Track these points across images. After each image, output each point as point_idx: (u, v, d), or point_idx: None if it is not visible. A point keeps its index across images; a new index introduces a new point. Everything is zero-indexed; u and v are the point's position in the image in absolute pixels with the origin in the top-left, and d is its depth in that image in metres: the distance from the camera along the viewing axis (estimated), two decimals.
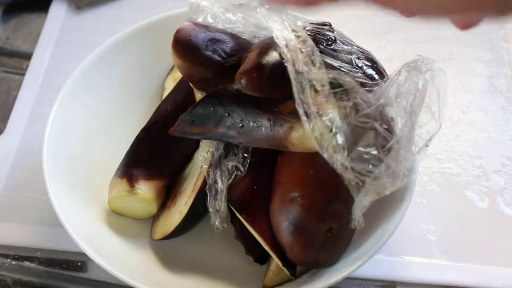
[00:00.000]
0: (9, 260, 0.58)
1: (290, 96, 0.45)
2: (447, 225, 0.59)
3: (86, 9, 0.77)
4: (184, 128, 0.50)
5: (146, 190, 0.53)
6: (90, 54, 0.59)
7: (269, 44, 0.48)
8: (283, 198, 0.48)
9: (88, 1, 0.77)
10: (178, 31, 0.51)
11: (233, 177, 0.50)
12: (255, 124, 0.48)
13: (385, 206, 0.52)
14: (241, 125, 0.49)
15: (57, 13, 0.76)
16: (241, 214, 0.50)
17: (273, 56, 0.47)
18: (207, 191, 0.51)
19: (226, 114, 0.49)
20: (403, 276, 0.56)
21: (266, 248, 0.49)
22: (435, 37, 0.74)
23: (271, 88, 0.48)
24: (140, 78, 0.62)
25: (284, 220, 0.48)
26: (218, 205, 0.50)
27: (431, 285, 0.56)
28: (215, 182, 0.51)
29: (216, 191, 0.50)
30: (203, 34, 0.51)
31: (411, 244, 0.58)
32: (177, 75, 0.60)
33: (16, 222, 0.59)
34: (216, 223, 0.51)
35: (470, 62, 0.72)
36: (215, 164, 0.51)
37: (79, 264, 0.57)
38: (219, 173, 0.51)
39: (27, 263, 0.57)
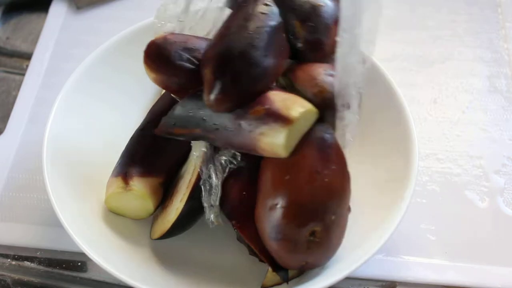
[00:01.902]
0: (9, 260, 0.58)
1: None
2: (447, 225, 0.59)
3: (86, 9, 0.77)
4: (168, 129, 0.51)
5: (140, 186, 0.53)
6: (90, 54, 0.60)
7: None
8: (263, 205, 0.48)
9: (88, 1, 0.77)
10: (148, 46, 0.51)
11: (227, 170, 0.50)
12: (227, 129, 0.48)
13: (385, 206, 0.52)
14: (216, 128, 0.49)
15: (57, 13, 0.76)
16: (231, 220, 0.50)
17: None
18: (202, 186, 0.50)
19: (203, 118, 0.49)
20: (403, 276, 0.56)
21: (257, 253, 0.49)
22: (435, 37, 0.74)
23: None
24: (141, 78, 0.62)
25: (266, 228, 0.48)
26: (213, 200, 0.50)
27: (431, 285, 0.56)
28: (209, 177, 0.50)
29: (211, 186, 0.50)
30: (174, 45, 0.51)
31: (411, 244, 0.58)
32: None
33: (16, 222, 0.59)
34: (211, 217, 0.50)
35: (470, 62, 0.72)
36: (208, 159, 0.51)
37: (79, 264, 0.57)
38: (212, 168, 0.50)
39: (27, 263, 0.57)
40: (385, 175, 0.55)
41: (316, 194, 0.46)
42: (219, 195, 0.50)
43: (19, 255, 0.58)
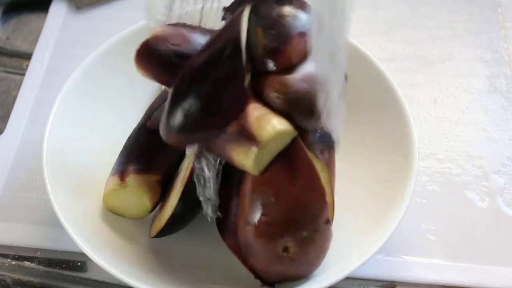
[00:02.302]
0: (8, 260, 0.58)
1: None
2: (447, 225, 0.59)
3: (86, 9, 0.77)
4: (158, 123, 0.50)
5: (136, 183, 0.53)
6: (90, 54, 0.60)
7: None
8: (239, 222, 0.48)
9: (88, 1, 0.77)
10: (138, 48, 0.50)
11: (218, 162, 0.50)
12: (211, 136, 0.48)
13: (385, 206, 0.52)
14: None
15: (57, 13, 0.76)
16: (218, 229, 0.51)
17: None
18: (196, 181, 0.50)
19: None
20: (403, 276, 0.56)
21: (242, 263, 0.50)
22: (435, 37, 0.74)
23: None
24: (141, 78, 0.62)
25: (242, 245, 0.48)
26: (208, 194, 0.50)
27: (431, 285, 0.56)
28: (202, 171, 0.50)
29: (204, 179, 0.50)
30: (165, 44, 0.50)
31: (411, 244, 0.58)
32: None
33: (16, 222, 0.59)
34: (208, 211, 0.50)
35: (470, 62, 0.72)
36: (200, 153, 0.51)
37: (79, 264, 0.57)
38: (205, 161, 0.50)
39: (27, 263, 0.57)
40: (385, 175, 0.55)
41: (284, 211, 0.46)
42: (215, 187, 0.50)
43: (19, 255, 0.58)
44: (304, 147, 0.47)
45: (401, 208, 0.50)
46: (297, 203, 0.46)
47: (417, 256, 0.57)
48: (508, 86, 0.70)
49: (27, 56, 0.73)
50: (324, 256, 0.49)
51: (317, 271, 0.50)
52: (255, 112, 0.46)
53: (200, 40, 0.51)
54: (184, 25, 0.52)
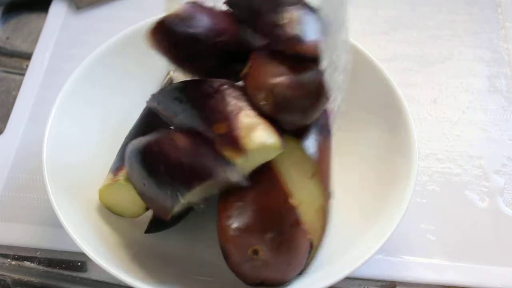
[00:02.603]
0: (8, 260, 0.58)
1: None
2: (447, 225, 0.59)
3: (86, 9, 0.77)
4: (153, 104, 0.52)
5: (128, 177, 0.53)
6: (90, 54, 0.59)
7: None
8: (218, 222, 0.49)
9: (88, 1, 0.77)
10: (154, 24, 0.50)
11: None
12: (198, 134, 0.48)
13: (385, 206, 0.52)
14: (187, 128, 0.48)
15: (57, 13, 0.76)
16: None
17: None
18: None
19: (180, 110, 0.49)
20: (403, 276, 0.56)
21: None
22: (435, 37, 0.74)
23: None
24: (141, 78, 0.62)
25: (220, 248, 0.49)
26: None
27: (431, 285, 0.56)
28: None
29: None
30: (181, 26, 0.49)
31: (411, 244, 0.58)
32: None
33: (16, 222, 0.59)
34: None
35: (470, 62, 0.72)
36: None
37: (79, 264, 0.57)
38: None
39: (27, 263, 0.57)
40: (385, 175, 0.55)
41: (249, 214, 0.47)
42: None
43: (19, 255, 0.58)
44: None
45: (401, 208, 0.50)
46: (260, 207, 0.47)
47: (417, 256, 0.57)
48: (508, 86, 0.70)
49: (27, 56, 0.73)
50: (300, 259, 0.49)
51: (317, 271, 0.50)
52: (246, 119, 0.46)
53: (215, 24, 0.50)
54: (201, 7, 0.51)
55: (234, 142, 0.45)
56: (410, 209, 0.51)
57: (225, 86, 0.49)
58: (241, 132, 0.45)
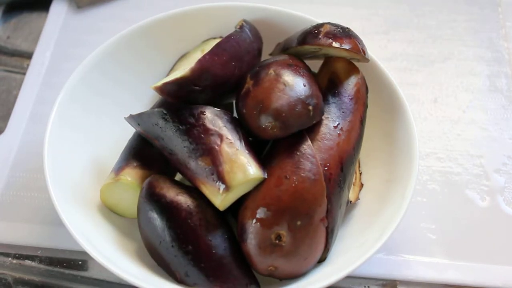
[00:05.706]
0: (10, 259, 0.58)
1: None
2: (448, 224, 0.59)
3: (86, 8, 0.77)
4: (133, 124, 0.54)
5: (129, 176, 0.53)
6: (91, 53, 0.59)
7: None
8: (242, 205, 0.50)
9: (89, 0, 0.77)
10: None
11: None
12: (180, 161, 0.51)
13: (386, 205, 0.52)
14: (169, 153, 0.52)
15: (58, 12, 0.76)
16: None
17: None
18: None
19: (161, 137, 0.52)
20: (403, 275, 0.56)
21: None
22: (435, 37, 0.74)
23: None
24: (141, 77, 0.62)
25: (239, 227, 0.49)
26: None
27: (432, 284, 0.56)
28: None
29: None
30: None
31: (411, 243, 0.58)
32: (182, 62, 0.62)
33: (17, 221, 0.59)
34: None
35: (470, 62, 0.72)
36: None
37: (80, 262, 0.57)
38: None
39: (28, 262, 0.57)
40: (386, 174, 0.55)
41: (282, 198, 0.47)
42: None
43: (20, 254, 0.58)
44: (308, 141, 0.49)
45: (402, 207, 0.50)
46: (296, 192, 0.47)
47: (418, 255, 0.57)
48: (508, 85, 0.70)
49: (28, 55, 0.73)
50: (315, 256, 0.50)
51: (318, 270, 0.50)
52: (228, 149, 0.49)
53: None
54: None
55: (219, 178, 0.48)
56: (411, 208, 0.51)
57: (206, 113, 0.51)
58: (225, 168, 0.48)
